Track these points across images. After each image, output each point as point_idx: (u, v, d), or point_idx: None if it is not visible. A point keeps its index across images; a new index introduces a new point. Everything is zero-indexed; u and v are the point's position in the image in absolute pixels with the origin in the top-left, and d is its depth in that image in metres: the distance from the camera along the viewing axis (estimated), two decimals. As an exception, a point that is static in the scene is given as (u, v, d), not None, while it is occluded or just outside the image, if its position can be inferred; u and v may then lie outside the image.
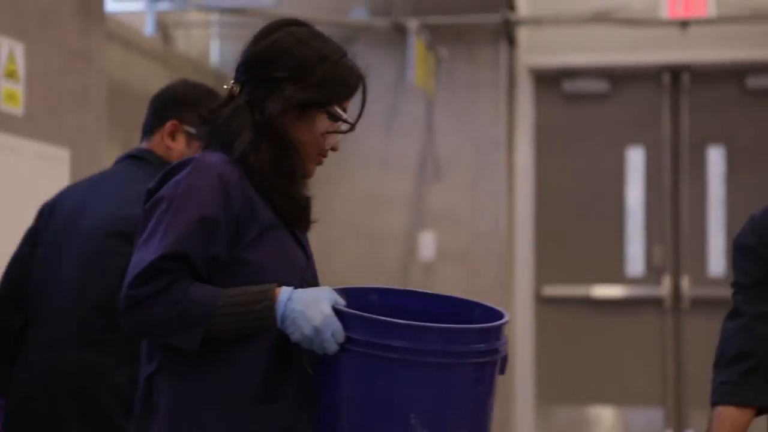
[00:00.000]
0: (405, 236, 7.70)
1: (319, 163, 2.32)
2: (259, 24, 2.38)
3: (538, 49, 7.97)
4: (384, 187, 7.72)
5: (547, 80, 8.08)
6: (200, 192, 2.13)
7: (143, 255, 2.10)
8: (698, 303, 7.81)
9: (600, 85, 8.06)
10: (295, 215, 2.25)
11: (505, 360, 2.15)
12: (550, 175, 8.05)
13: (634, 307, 7.93)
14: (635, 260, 7.97)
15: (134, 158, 3.07)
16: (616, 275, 7.95)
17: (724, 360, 2.55)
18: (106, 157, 4.79)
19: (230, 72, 2.32)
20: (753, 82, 7.83)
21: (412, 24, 7.16)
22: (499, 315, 2.17)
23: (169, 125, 3.05)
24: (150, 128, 3.10)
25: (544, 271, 8.01)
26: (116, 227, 2.89)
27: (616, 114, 8.07)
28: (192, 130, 2.94)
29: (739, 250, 2.59)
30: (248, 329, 2.09)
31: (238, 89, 2.27)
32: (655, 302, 7.89)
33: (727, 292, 2.73)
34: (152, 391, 2.18)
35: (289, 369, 2.17)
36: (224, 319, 2.07)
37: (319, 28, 2.34)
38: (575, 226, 8.02)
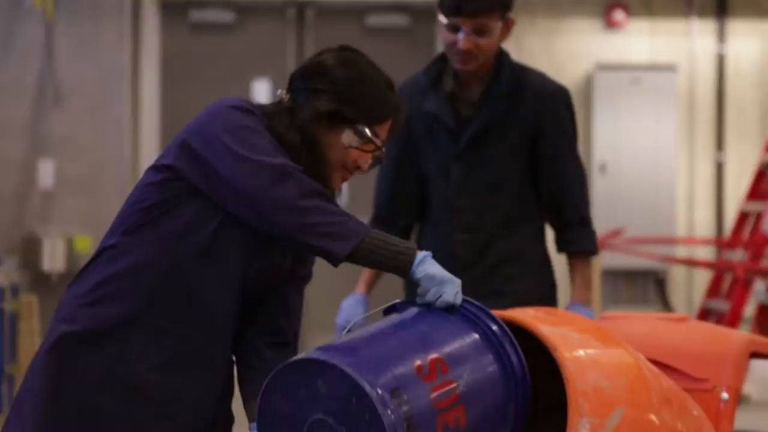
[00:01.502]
0: (22, 164, 7.44)
1: (345, 179, 2.43)
2: None
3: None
4: None
5: (174, 9, 8.01)
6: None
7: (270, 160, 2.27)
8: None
9: (226, 16, 8.07)
10: None
11: None
12: (176, 105, 8.00)
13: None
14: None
15: None
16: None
17: None
18: None
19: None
20: (373, 20, 8.08)
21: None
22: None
23: None
24: None
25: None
26: None
27: (243, 46, 8.11)
28: None
29: None
30: (387, 262, 2.25)
31: (287, 97, 2.41)
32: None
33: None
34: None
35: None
36: (372, 243, 2.24)
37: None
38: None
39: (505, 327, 2.24)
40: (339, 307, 3.43)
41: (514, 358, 2.22)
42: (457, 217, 3.39)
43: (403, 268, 2.26)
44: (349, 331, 3.23)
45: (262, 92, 8.11)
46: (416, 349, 2.13)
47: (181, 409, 2.29)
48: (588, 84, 8.90)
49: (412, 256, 2.27)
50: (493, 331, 2.22)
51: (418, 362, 2.10)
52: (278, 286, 2.41)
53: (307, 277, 2.47)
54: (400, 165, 3.46)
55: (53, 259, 7.48)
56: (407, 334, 2.19)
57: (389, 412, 2.00)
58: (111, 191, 7.53)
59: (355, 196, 7.32)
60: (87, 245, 7.60)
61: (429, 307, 2.25)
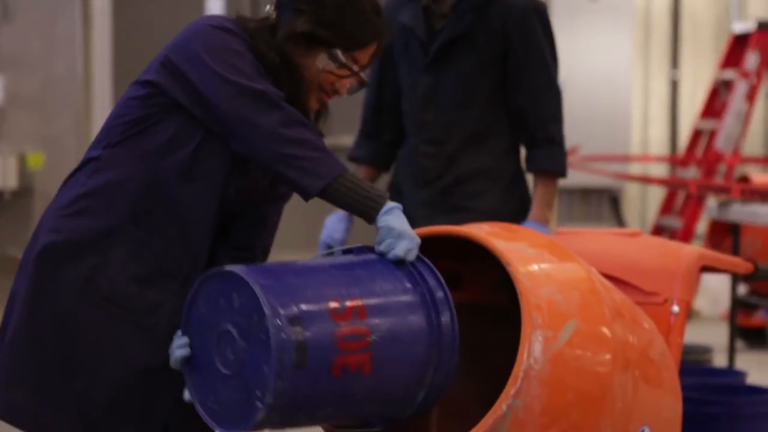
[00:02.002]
0: (-28, 80, 7.33)
1: (321, 101, 2.42)
2: None
3: None
4: (-51, 28, 7.29)
5: None
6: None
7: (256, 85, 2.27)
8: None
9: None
10: None
11: None
12: (128, 21, 7.89)
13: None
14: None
15: None
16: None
17: None
18: None
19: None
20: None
21: None
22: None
23: None
24: None
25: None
26: None
27: (196, -39, 7.99)
28: None
29: None
30: (355, 205, 2.26)
31: (273, 14, 2.40)
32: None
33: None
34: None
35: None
36: (344, 185, 2.24)
37: None
38: (154, 73, 7.92)
39: (449, 295, 2.22)
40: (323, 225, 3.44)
41: (447, 327, 2.20)
42: (423, 130, 3.37)
43: (368, 214, 2.27)
44: (330, 248, 3.24)
45: (215, 9, 8.00)
46: (340, 289, 2.13)
47: (158, 321, 2.31)
48: (546, 2, 8.87)
49: (381, 204, 2.27)
50: (432, 295, 2.21)
51: (334, 300, 2.10)
52: (256, 203, 2.42)
53: (286, 196, 2.48)
54: (382, 79, 3.45)
55: (5, 177, 7.40)
56: (341, 274, 2.19)
57: (282, 335, 2.01)
58: (63, 108, 7.44)
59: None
60: (39, 162, 7.53)
61: (382, 258, 2.25)
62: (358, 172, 3.52)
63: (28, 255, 2.36)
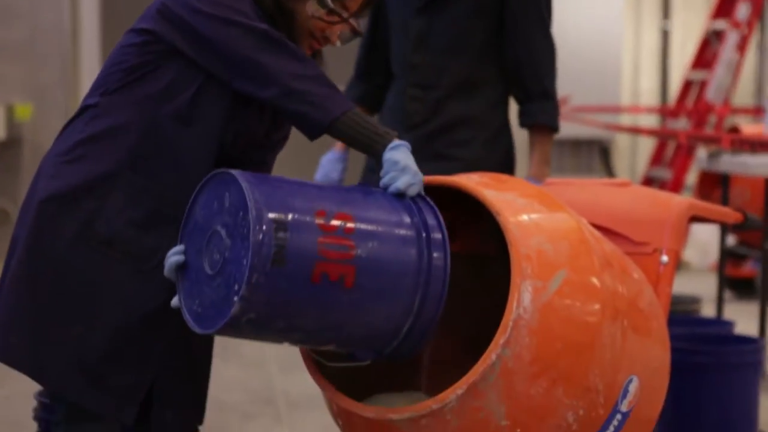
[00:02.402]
0: (-41, 30, 7.27)
1: (312, 48, 2.42)
2: None
3: None
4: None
5: None
6: None
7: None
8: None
9: None
10: None
11: None
12: (116, -30, 7.82)
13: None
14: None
15: None
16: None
17: None
18: None
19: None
20: None
21: None
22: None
23: None
24: None
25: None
26: None
27: None
28: None
29: None
30: (362, 140, 2.27)
31: None
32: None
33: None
34: None
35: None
36: (353, 119, 2.27)
37: None
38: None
39: (445, 233, 2.22)
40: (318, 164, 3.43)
41: (439, 260, 2.19)
42: (412, 73, 3.33)
43: (375, 149, 2.28)
44: None
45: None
46: (331, 205, 2.14)
47: (156, 266, 2.32)
48: (535, -50, 8.81)
49: (387, 140, 2.28)
50: (427, 228, 2.21)
51: (323, 211, 2.11)
52: (253, 150, 2.42)
53: (282, 141, 2.49)
54: (377, 20, 3.42)
55: (-7, 128, 7.38)
56: (336, 193, 2.20)
57: (262, 228, 2.01)
58: (51, 58, 7.39)
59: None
60: (27, 113, 7.49)
61: (384, 191, 2.25)
62: None
63: (29, 201, 2.37)
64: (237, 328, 2.06)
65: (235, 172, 2.11)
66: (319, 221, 2.09)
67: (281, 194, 2.10)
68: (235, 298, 2.01)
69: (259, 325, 2.06)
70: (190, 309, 2.15)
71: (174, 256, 2.21)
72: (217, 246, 2.11)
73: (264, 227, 2.02)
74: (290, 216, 2.06)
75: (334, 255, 2.08)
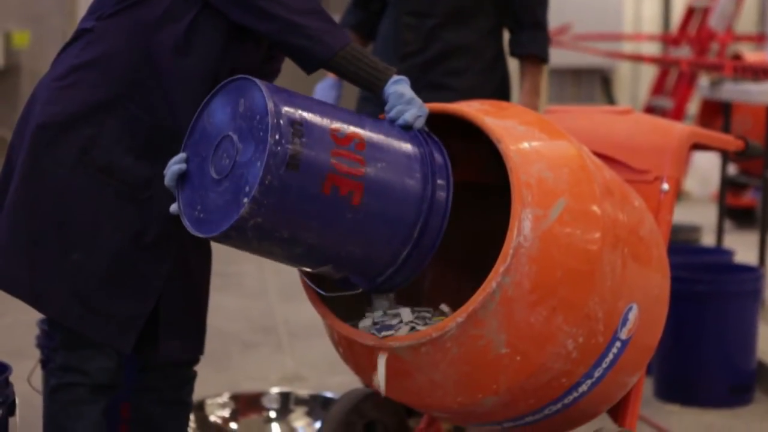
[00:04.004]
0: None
1: None
2: None
3: None
4: None
5: None
6: None
7: None
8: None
9: None
10: None
11: None
12: None
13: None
14: None
15: None
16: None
17: None
18: None
19: None
20: None
21: None
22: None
23: None
24: None
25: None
26: None
27: None
28: None
29: None
30: (363, 75, 2.27)
31: None
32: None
33: None
34: None
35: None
36: (353, 54, 2.26)
37: None
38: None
39: (449, 166, 2.23)
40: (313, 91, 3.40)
41: (441, 190, 2.20)
42: (406, 1, 3.31)
43: (376, 84, 2.28)
44: None
45: None
46: (345, 121, 2.15)
47: (152, 195, 2.33)
48: None
49: (388, 75, 2.28)
50: (432, 160, 2.22)
51: (337, 125, 2.12)
52: None
53: (275, 74, 2.48)
54: None
55: (-9, 56, 7.34)
56: (348, 113, 2.21)
57: (279, 134, 2.02)
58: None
59: None
60: (25, 40, 7.44)
61: (391, 122, 2.26)
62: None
63: (24, 125, 2.36)
64: (242, 233, 2.05)
65: (250, 77, 2.12)
66: (334, 134, 2.11)
67: (298, 102, 2.11)
68: (245, 200, 2.01)
69: (263, 231, 2.06)
70: (191, 216, 2.15)
71: (176, 165, 2.20)
72: (227, 151, 2.11)
73: (281, 130, 2.03)
74: (307, 124, 2.07)
75: (345, 169, 2.09)
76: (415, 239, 2.18)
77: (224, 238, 2.08)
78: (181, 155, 2.20)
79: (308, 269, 2.25)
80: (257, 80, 2.11)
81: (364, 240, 2.15)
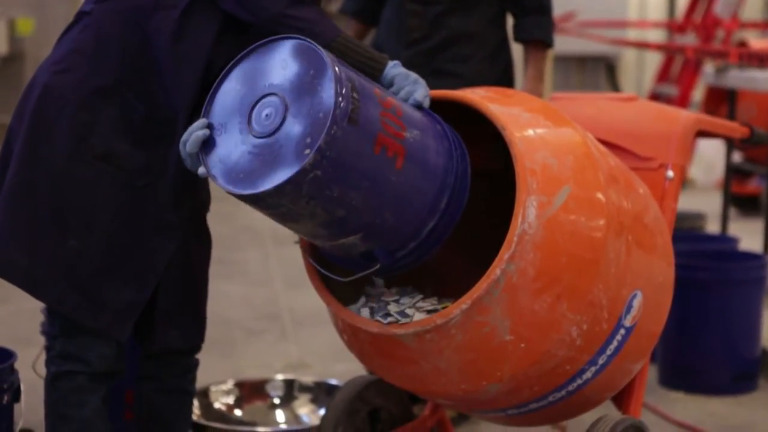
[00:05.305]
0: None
1: None
2: None
3: None
4: None
5: None
6: None
7: None
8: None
9: None
10: None
11: None
12: None
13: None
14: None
15: None
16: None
17: None
18: None
19: None
20: None
21: None
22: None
23: None
24: None
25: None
26: None
27: None
28: None
29: None
30: (358, 66, 2.25)
31: None
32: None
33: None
34: None
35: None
36: (346, 44, 2.28)
37: None
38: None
39: (462, 143, 2.26)
40: None
41: (460, 164, 2.23)
42: None
43: (373, 71, 2.29)
44: None
45: None
46: (381, 89, 2.19)
47: (149, 182, 2.33)
48: None
49: (383, 63, 2.29)
50: (453, 132, 2.24)
51: (379, 90, 2.16)
52: None
53: None
54: None
55: (-5, 43, 7.33)
56: (379, 86, 2.23)
57: (343, 87, 2.05)
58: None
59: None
60: (29, 28, 7.43)
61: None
62: (348, 25, 3.48)
63: (23, 109, 2.36)
64: (297, 188, 2.04)
65: (296, 36, 2.15)
66: (379, 97, 2.13)
67: (342, 62, 2.13)
68: (307, 151, 2.02)
69: (317, 187, 2.04)
70: (227, 177, 2.11)
71: (199, 130, 2.16)
72: (270, 110, 2.10)
73: (343, 83, 2.05)
74: (359, 82, 2.10)
75: (392, 130, 2.12)
76: (441, 210, 2.20)
77: (274, 195, 2.05)
78: (202, 121, 2.17)
79: (333, 241, 2.22)
80: (302, 38, 2.13)
81: (400, 207, 2.16)
